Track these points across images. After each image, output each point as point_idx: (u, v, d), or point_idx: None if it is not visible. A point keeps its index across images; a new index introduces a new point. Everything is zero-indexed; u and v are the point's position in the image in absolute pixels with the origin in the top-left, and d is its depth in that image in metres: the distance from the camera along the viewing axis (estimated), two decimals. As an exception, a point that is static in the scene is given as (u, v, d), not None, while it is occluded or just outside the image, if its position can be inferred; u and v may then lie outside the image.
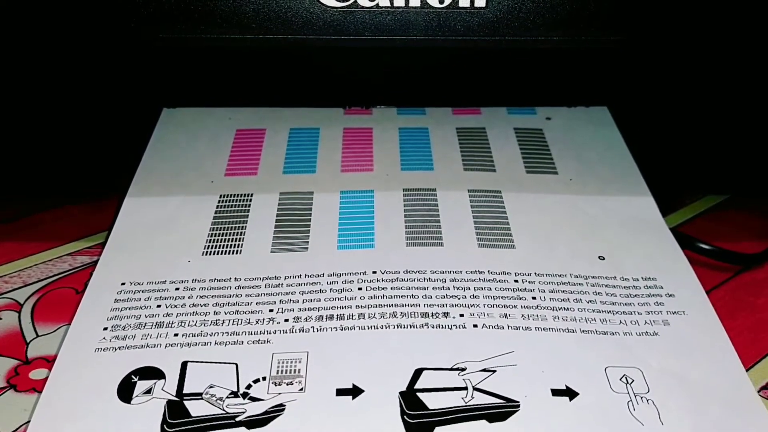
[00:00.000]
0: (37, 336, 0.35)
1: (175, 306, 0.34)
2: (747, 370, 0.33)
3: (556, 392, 0.30)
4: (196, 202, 0.40)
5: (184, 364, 0.31)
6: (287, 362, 0.31)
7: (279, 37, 0.36)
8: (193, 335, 0.32)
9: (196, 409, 0.29)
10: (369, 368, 0.31)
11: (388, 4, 0.35)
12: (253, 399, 0.30)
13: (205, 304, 0.34)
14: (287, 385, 0.30)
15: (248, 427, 0.29)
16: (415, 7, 0.35)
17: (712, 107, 0.42)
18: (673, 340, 0.33)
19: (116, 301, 0.34)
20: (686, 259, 0.37)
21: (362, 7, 0.35)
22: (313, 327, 0.33)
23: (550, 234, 0.38)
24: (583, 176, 0.42)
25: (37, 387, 0.32)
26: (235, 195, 0.40)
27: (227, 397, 0.30)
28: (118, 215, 0.39)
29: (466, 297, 0.34)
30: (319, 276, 0.36)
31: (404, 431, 0.29)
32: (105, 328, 0.33)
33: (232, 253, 0.37)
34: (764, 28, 0.36)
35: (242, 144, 0.44)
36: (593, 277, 0.36)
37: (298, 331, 0.33)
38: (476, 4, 0.35)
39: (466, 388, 0.30)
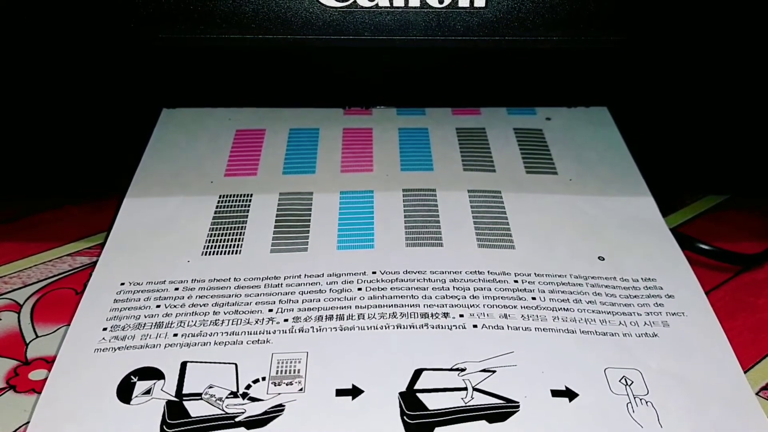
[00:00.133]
0: (37, 337, 0.35)
1: (175, 306, 0.34)
2: (747, 371, 0.33)
3: (555, 393, 0.30)
4: (196, 203, 0.40)
5: (184, 365, 0.31)
6: (287, 362, 0.31)
7: (278, 37, 0.36)
8: (193, 335, 0.32)
9: (196, 409, 0.29)
10: (369, 368, 0.31)
11: (388, 4, 0.35)
12: (253, 399, 0.30)
13: (204, 305, 0.34)
14: (287, 385, 0.30)
15: (248, 428, 0.29)
16: (415, 7, 0.35)
17: (712, 107, 0.42)
18: (673, 342, 0.33)
19: (116, 301, 0.34)
20: (686, 260, 0.37)
21: (362, 7, 0.35)
22: (312, 327, 0.33)
23: (550, 234, 0.38)
24: (583, 176, 0.42)
25: (37, 388, 0.32)
26: (234, 195, 0.40)
27: (227, 398, 0.30)
28: (118, 215, 0.39)
29: (465, 297, 0.34)
30: (318, 276, 0.36)
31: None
32: (104, 329, 0.33)
33: (232, 254, 0.37)
34: (764, 28, 0.36)
35: (242, 144, 0.44)
36: (593, 278, 0.36)
37: (297, 331, 0.33)
38: (476, 4, 0.35)
39: (465, 389, 0.30)
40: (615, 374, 0.31)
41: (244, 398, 0.30)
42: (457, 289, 0.35)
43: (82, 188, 0.44)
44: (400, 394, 0.30)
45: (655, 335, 0.33)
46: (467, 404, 0.30)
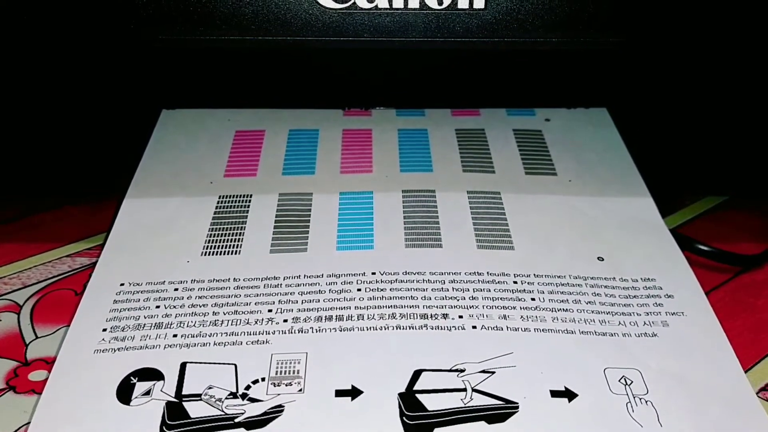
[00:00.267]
0: (37, 337, 0.35)
1: (174, 307, 0.34)
2: (747, 371, 0.33)
3: (555, 393, 0.30)
4: (196, 203, 0.40)
5: (183, 365, 0.31)
6: (286, 363, 0.31)
7: (278, 38, 0.36)
8: (192, 336, 0.32)
9: (196, 410, 0.29)
10: (368, 369, 0.31)
11: (387, 6, 0.35)
12: (252, 400, 0.30)
13: (204, 305, 0.34)
14: (286, 386, 0.30)
15: (247, 428, 0.29)
16: (414, 9, 0.35)
17: (711, 108, 0.42)
18: (672, 342, 0.33)
19: (115, 302, 0.34)
20: (685, 260, 0.37)
21: (361, 8, 0.35)
22: (312, 328, 0.33)
23: (550, 235, 0.38)
24: (583, 177, 0.42)
25: (37, 388, 0.32)
26: (234, 196, 0.40)
27: (226, 398, 0.30)
28: (118, 216, 0.39)
29: (465, 298, 0.34)
30: (318, 277, 0.36)
31: (403, 432, 0.29)
32: (104, 330, 0.33)
33: (231, 254, 0.37)
34: (764, 29, 0.36)
35: (241, 145, 0.44)
36: (592, 278, 0.36)
37: (297, 331, 0.33)
38: (475, 6, 0.35)
39: (465, 390, 0.30)
40: (614, 374, 0.31)
41: (243, 399, 0.30)
42: (457, 290, 0.35)
43: (82, 189, 0.44)
44: (400, 394, 0.30)
45: (655, 335, 0.33)
46: (466, 405, 0.30)
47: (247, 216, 0.39)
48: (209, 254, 0.37)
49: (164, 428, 0.29)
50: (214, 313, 0.34)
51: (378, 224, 0.39)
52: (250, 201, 0.40)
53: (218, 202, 0.40)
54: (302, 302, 0.34)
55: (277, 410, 0.29)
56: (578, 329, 0.33)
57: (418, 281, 0.35)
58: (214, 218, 0.39)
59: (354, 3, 0.35)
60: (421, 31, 0.36)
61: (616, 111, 0.47)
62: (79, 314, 0.34)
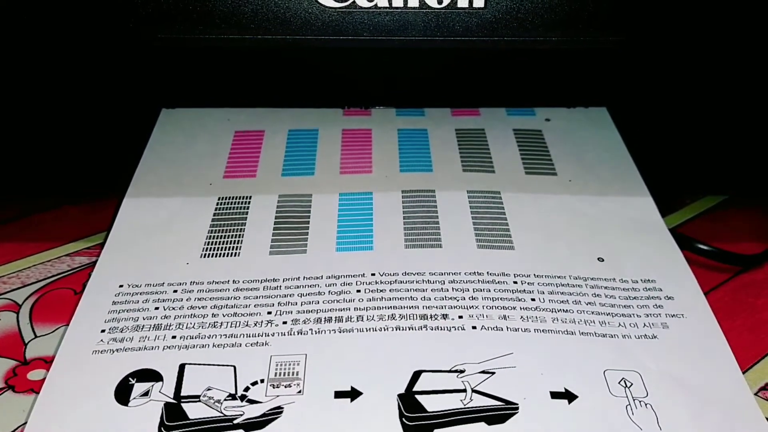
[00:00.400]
0: (36, 337, 0.35)
1: (173, 308, 0.34)
2: (746, 371, 0.33)
3: (554, 395, 0.30)
4: (195, 204, 0.40)
5: (182, 367, 0.31)
6: (285, 364, 0.31)
7: (277, 37, 0.36)
8: (191, 337, 0.32)
9: (194, 411, 0.29)
10: (367, 370, 0.31)
11: (387, 5, 0.35)
12: (251, 401, 0.30)
13: (203, 306, 0.34)
14: (285, 387, 0.30)
15: (246, 430, 0.29)
16: (414, 8, 0.35)
17: (711, 108, 0.42)
18: (672, 343, 0.32)
19: (114, 303, 0.34)
20: (685, 261, 0.37)
21: (361, 7, 0.35)
22: (311, 329, 0.33)
23: (550, 235, 0.38)
24: (583, 177, 0.42)
25: (36, 388, 0.32)
26: (233, 197, 0.40)
27: (225, 400, 0.30)
28: (117, 216, 0.39)
29: (465, 298, 0.34)
30: (317, 278, 0.36)
31: (402, 433, 0.29)
32: (102, 331, 0.33)
33: (231, 256, 0.37)
34: (763, 28, 0.36)
35: (241, 146, 0.44)
36: (592, 279, 0.36)
37: (296, 333, 0.33)
38: (475, 5, 0.35)
39: (464, 390, 0.30)
40: (614, 376, 0.31)
41: (242, 400, 0.30)
42: (457, 290, 0.35)
43: (81, 188, 0.44)
44: (399, 395, 0.30)
45: (655, 337, 0.33)
46: (466, 406, 0.30)
47: (246, 217, 0.39)
48: (208, 256, 0.37)
49: (162, 429, 0.29)
50: (213, 315, 0.34)
51: (378, 225, 0.39)
52: (249, 202, 0.40)
53: (218, 204, 0.40)
54: (302, 304, 0.34)
55: (276, 412, 0.29)
56: (578, 330, 0.33)
57: (417, 282, 0.35)
58: (213, 219, 0.39)
59: (354, 2, 0.35)
60: (421, 30, 0.36)
61: (615, 110, 0.47)
62: (77, 316, 0.34)
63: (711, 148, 0.43)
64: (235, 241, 0.38)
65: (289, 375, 0.31)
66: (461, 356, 0.32)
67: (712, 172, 0.44)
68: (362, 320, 0.33)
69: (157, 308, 0.34)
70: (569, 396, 0.30)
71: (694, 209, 0.45)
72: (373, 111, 0.47)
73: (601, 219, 0.39)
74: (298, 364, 0.31)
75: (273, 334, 0.33)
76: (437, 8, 0.35)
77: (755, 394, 0.32)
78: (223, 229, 0.38)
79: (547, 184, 0.42)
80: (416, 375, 0.31)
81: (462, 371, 0.31)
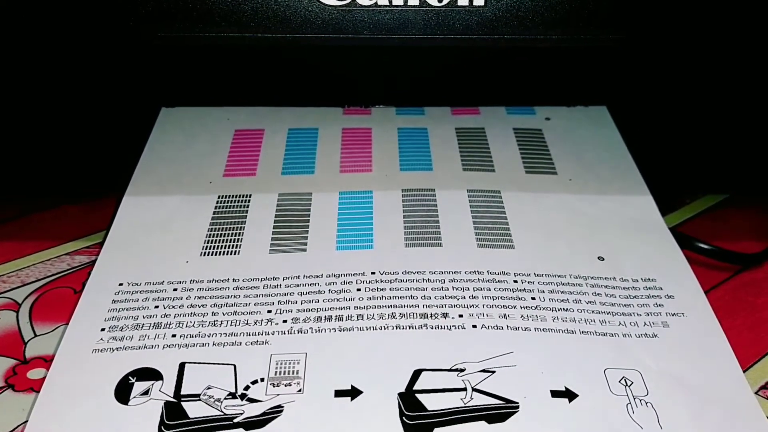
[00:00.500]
0: (36, 336, 0.35)
1: (173, 307, 0.34)
2: (746, 370, 0.33)
3: (555, 393, 0.30)
4: (195, 203, 0.40)
5: (182, 365, 0.31)
6: (285, 363, 0.31)
7: (277, 35, 0.36)
8: (191, 336, 0.32)
9: (194, 410, 0.29)
10: (368, 369, 0.31)
11: (387, 3, 0.35)
12: (252, 400, 0.30)
13: (203, 305, 0.34)
14: (285, 386, 0.30)
15: (246, 429, 0.29)
16: (414, 6, 0.35)
17: (711, 107, 0.42)
18: (673, 342, 0.32)
19: (114, 301, 0.34)
20: (686, 260, 0.37)
21: (361, 5, 0.35)
22: (311, 328, 0.33)
23: (550, 234, 0.38)
24: (583, 176, 0.42)
25: (35, 387, 0.32)
26: (233, 196, 0.40)
27: (225, 399, 0.30)
28: (116, 215, 0.39)
29: (465, 297, 0.34)
30: (317, 277, 0.35)
31: (403, 432, 0.29)
32: (102, 329, 0.33)
33: (231, 254, 0.37)
34: (763, 27, 0.36)
35: (241, 144, 0.44)
36: (593, 278, 0.36)
37: (296, 332, 0.33)
38: (475, 3, 0.35)
39: (465, 389, 0.30)
40: (615, 375, 0.31)
41: (242, 399, 0.30)
42: (457, 289, 0.35)
43: (81, 187, 0.44)
44: (400, 394, 0.30)
45: (655, 336, 0.33)
46: (466, 405, 0.30)
47: (246, 216, 0.39)
48: (208, 254, 0.37)
49: (163, 428, 0.29)
50: (213, 314, 0.34)
51: (378, 224, 0.39)
52: (249, 201, 0.40)
53: (217, 202, 0.40)
54: (301, 302, 0.34)
55: (276, 411, 0.29)
56: (579, 329, 0.33)
57: (417, 280, 0.35)
58: (213, 218, 0.39)
59: (354, 0, 0.35)
60: (421, 28, 0.36)
61: (616, 109, 0.47)
62: (77, 314, 0.33)
63: (711, 147, 0.43)
64: (235, 239, 0.38)
65: (289, 374, 0.31)
66: (461, 355, 0.31)
67: (712, 171, 0.44)
68: (362, 319, 0.33)
69: (156, 307, 0.34)
70: (570, 395, 0.30)
71: (694, 208, 0.45)
72: (373, 110, 0.47)
73: (601, 218, 0.39)
74: (298, 363, 0.31)
75: (273, 333, 0.33)
76: (437, 6, 0.35)
77: (756, 392, 0.32)
78: (223, 228, 0.38)
79: (547, 183, 0.42)
80: (416, 374, 0.31)
81: (462, 370, 0.31)
